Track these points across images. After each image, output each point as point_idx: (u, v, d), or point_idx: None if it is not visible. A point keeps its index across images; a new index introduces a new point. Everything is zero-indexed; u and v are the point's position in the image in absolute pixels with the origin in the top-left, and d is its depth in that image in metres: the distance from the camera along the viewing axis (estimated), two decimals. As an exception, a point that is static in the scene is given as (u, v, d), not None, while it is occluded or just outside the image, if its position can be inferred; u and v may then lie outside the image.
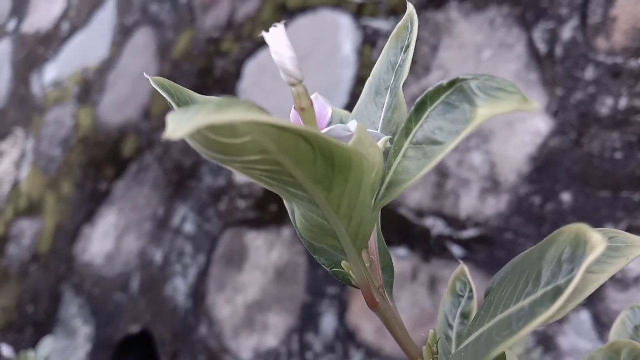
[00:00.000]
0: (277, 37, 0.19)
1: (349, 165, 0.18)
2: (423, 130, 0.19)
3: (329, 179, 0.18)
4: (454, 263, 0.98)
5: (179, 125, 0.15)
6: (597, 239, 0.16)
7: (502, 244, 0.93)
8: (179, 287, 1.29)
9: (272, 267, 1.17)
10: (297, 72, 0.19)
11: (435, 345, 0.25)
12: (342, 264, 0.25)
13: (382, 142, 0.22)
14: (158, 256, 1.35)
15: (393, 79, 0.25)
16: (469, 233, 0.97)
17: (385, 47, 0.26)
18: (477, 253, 0.96)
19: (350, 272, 0.24)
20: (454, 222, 0.99)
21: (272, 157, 0.17)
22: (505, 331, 0.17)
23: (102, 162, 1.55)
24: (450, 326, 0.32)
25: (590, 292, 0.23)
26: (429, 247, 1.01)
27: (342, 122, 0.27)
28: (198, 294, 1.26)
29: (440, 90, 0.19)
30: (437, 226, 1.01)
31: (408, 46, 0.24)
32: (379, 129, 0.25)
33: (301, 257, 1.13)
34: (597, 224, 0.87)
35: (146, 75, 0.25)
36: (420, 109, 0.20)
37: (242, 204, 1.25)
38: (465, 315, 0.33)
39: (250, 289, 1.20)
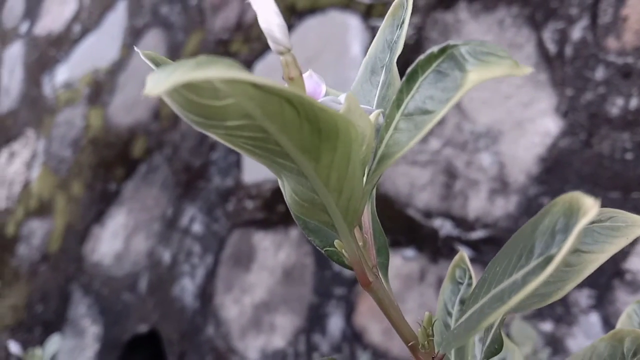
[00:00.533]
0: (264, 3, 0.18)
1: (335, 133, 0.17)
2: (414, 100, 0.19)
3: (316, 148, 0.17)
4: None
5: (157, 83, 0.14)
6: (589, 203, 0.15)
7: (511, 245, 0.92)
8: (187, 287, 1.29)
9: (279, 267, 1.16)
10: (285, 39, 0.19)
11: (430, 328, 0.25)
12: (334, 243, 0.25)
13: (374, 115, 0.21)
14: (166, 256, 1.35)
15: (388, 56, 0.24)
16: (478, 234, 0.96)
17: (381, 25, 0.26)
18: (486, 254, 0.95)
19: (343, 250, 0.24)
20: (463, 223, 0.98)
21: (256, 122, 0.16)
22: (497, 303, 0.17)
23: (112, 163, 1.55)
24: (449, 314, 0.32)
25: (589, 272, 0.23)
26: (437, 248, 1.00)
27: (335, 100, 0.27)
28: (205, 294, 1.26)
29: (431, 58, 0.18)
30: (445, 227, 1.01)
31: (403, 22, 0.24)
32: (374, 107, 0.24)
33: (308, 258, 1.13)
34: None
35: (136, 49, 0.24)
36: (411, 79, 0.19)
37: (250, 205, 1.25)
38: (464, 302, 0.32)
39: (258, 289, 1.19)
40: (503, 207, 0.95)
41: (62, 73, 1.81)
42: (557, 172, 0.91)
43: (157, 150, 1.46)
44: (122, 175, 1.52)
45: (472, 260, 0.97)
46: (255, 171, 1.27)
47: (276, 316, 1.15)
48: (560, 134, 0.92)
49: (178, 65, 0.14)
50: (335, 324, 1.07)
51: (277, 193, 1.22)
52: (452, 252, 0.98)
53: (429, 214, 1.02)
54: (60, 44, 1.87)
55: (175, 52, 1.52)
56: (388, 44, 0.25)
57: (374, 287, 0.24)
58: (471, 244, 0.96)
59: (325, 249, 0.26)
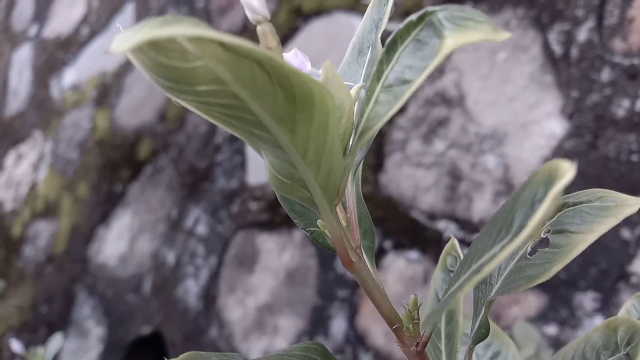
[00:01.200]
0: (241, -29, 0.18)
1: (311, 101, 0.17)
2: (394, 71, 0.19)
3: (291, 117, 0.17)
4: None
5: (122, 41, 0.14)
6: (566, 167, 0.15)
7: (515, 248, 0.92)
8: (190, 289, 1.29)
9: (282, 269, 1.16)
10: (263, 9, 0.18)
11: (416, 312, 0.24)
12: (317, 223, 0.25)
13: (355, 89, 0.21)
14: (170, 257, 1.35)
15: (375, 36, 0.24)
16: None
17: (369, 6, 0.25)
18: (489, 256, 0.94)
19: (326, 230, 0.24)
20: (467, 225, 0.98)
21: (227, 88, 0.16)
22: (474, 275, 0.16)
23: (118, 164, 1.56)
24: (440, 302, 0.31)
25: (577, 252, 0.22)
26: (441, 250, 1.00)
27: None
28: (209, 295, 1.26)
29: (410, 27, 0.18)
30: (449, 229, 1.00)
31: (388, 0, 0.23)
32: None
33: (312, 260, 1.13)
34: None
35: (118, 24, 0.24)
36: (390, 50, 0.19)
37: (254, 206, 1.24)
38: None
39: (261, 291, 1.19)
40: (507, 209, 0.94)
41: (70, 75, 1.82)
42: (562, 174, 0.90)
43: (163, 151, 1.47)
44: (128, 177, 1.53)
45: (476, 262, 0.96)
46: (259, 173, 1.27)
47: (279, 318, 1.14)
48: (565, 136, 0.92)
49: (144, 23, 0.14)
50: (338, 326, 1.06)
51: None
52: (456, 255, 0.97)
53: (433, 216, 1.02)
54: (68, 47, 1.88)
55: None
56: (375, 24, 0.24)
57: (357, 267, 0.24)
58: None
59: (308, 229, 0.26)
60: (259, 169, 1.27)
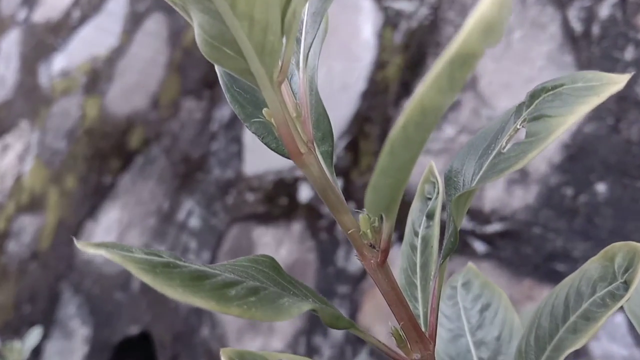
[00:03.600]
0: None
1: None
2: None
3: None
4: (475, 260, 0.95)
5: None
6: None
7: (530, 240, 0.90)
8: (182, 286, 1.28)
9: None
10: None
11: (376, 219, 0.23)
12: (263, 112, 0.23)
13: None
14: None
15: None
16: (493, 227, 0.94)
17: None
18: (502, 249, 0.92)
19: (272, 120, 0.22)
20: (477, 215, 0.96)
21: None
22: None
23: (108, 154, 1.55)
24: (416, 234, 0.30)
25: (555, 136, 0.21)
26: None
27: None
28: (201, 293, 1.24)
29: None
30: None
31: None
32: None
33: (311, 254, 1.11)
34: (634, 216, 0.84)
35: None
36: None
37: (251, 197, 1.23)
38: (430, 216, 0.30)
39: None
40: (522, 198, 0.93)
41: (59, 62, 1.81)
42: (581, 160, 0.89)
43: (155, 141, 1.45)
44: (118, 168, 1.52)
45: (487, 256, 0.95)
46: (257, 162, 1.26)
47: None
48: (585, 119, 0.90)
49: None
50: (338, 324, 1.05)
51: (279, 185, 1.20)
52: (466, 248, 0.96)
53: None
54: (58, 31, 1.87)
55: (176, 37, 1.52)
56: None
57: (307, 161, 0.22)
58: (486, 239, 0.94)
59: (252, 120, 0.24)
60: (256, 158, 1.26)
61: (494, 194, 0.96)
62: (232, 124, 1.31)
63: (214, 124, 1.36)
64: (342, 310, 1.04)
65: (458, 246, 0.97)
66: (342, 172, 1.10)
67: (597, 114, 0.89)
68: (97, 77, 1.67)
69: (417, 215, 0.32)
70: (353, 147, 1.12)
